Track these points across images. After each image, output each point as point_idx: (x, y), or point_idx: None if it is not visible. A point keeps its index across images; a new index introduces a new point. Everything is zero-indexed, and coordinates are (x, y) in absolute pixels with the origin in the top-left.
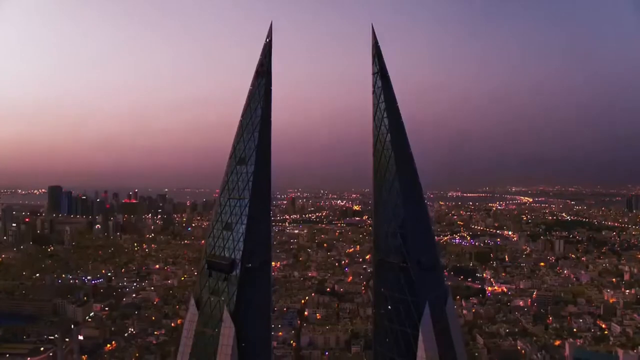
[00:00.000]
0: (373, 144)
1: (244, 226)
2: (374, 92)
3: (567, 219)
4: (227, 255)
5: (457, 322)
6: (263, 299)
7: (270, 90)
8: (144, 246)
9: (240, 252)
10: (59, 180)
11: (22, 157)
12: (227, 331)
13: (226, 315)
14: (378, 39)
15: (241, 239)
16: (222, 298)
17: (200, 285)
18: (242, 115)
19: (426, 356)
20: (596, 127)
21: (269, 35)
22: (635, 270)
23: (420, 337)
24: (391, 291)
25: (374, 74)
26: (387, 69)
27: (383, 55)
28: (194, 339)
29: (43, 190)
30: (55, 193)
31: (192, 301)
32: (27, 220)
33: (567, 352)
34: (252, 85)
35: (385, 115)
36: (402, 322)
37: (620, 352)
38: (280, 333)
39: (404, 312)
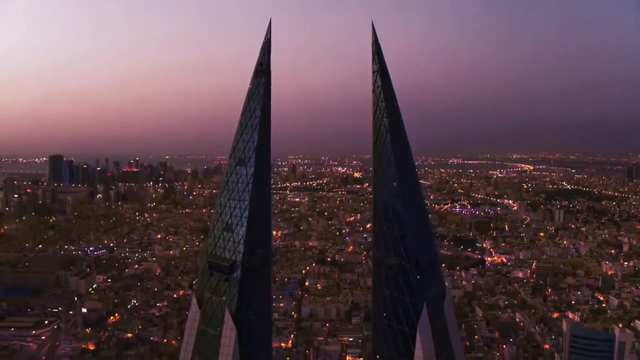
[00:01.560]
0: (373, 142)
1: (244, 228)
2: (373, 90)
3: (568, 188)
4: (227, 256)
5: (454, 320)
6: (263, 299)
7: (270, 89)
8: (146, 215)
9: (241, 255)
10: (59, 148)
11: (23, 126)
12: (229, 332)
13: (227, 317)
14: (378, 36)
15: (241, 242)
16: (223, 298)
17: (201, 284)
18: (242, 115)
19: (423, 356)
20: (599, 95)
21: (268, 33)
22: (634, 242)
23: (418, 337)
24: (390, 290)
25: (373, 72)
26: (389, 66)
27: (383, 53)
28: (196, 337)
29: (44, 158)
30: (56, 162)
31: (194, 300)
32: (28, 190)
33: (564, 328)
34: (251, 84)
35: (385, 115)
36: (400, 321)
37: (617, 329)
38: (281, 304)
39: (402, 311)
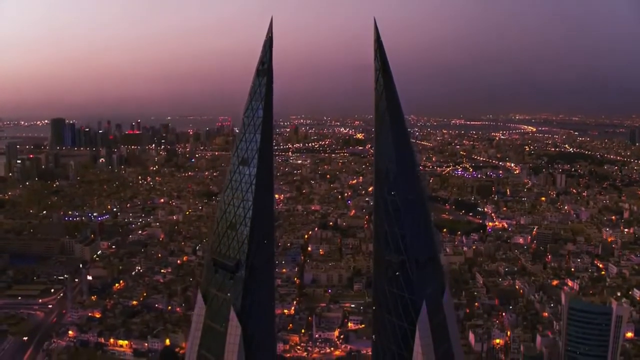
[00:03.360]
0: (375, 139)
1: (247, 228)
2: (375, 88)
3: (570, 151)
4: (232, 255)
5: (453, 314)
6: (267, 296)
7: (272, 89)
8: (148, 179)
9: (245, 254)
10: (60, 110)
11: (24, 88)
12: (234, 330)
13: (233, 315)
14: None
15: (245, 241)
16: (228, 295)
17: (206, 280)
18: (244, 113)
19: (422, 351)
20: (604, 55)
21: (270, 31)
22: (635, 208)
23: (417, 334)
24: (389, 286)
25: (376, 70)
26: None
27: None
28: (202, 331)
29: (46, 121)
30: (58, 126)
31: (200, 296)
32: (31, 156)
33: (563, 300)
34: (253, 83)
35: (387, 114)
36: (399, 317)
37: (614, 303)
38: (283, 270)
39: (402, 307)
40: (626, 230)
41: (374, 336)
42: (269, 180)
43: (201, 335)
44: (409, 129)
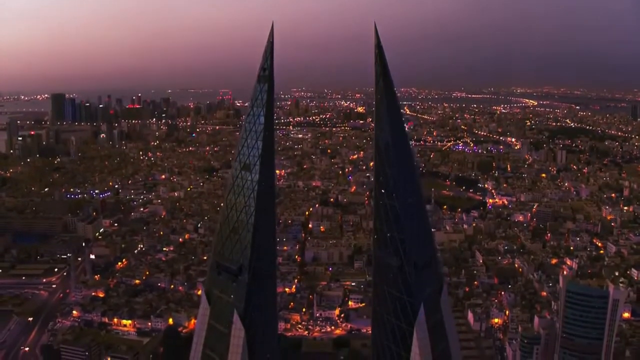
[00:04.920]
0: (375, 143)
1: (250, 234)
2: (376, 92)
3: (571, 126)
4: (234, 258)
5: (450, 313)
6: (269, 298)
7: (273, 95)
8: (149, 155)
9: (248, 259)
10: (61, 84)
11: (24, 63)
12: (238, 332)
13: (236, 317)
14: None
15: (247, 246)
16: (232, 297)
17: (210, 280)
18: (246, 118)
19: (419, 352)
20: (607, 28)
21: (271, 36)
22: (635, 186)
23: (415, 335)
24: (388, 287)
25: (376, 74)
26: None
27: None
28: (206, 330)
29: (46, 95)
30: (59, 101)
31: (204, 296)
32: (32, 132)
33: (561, 283)
34: (254, 89)
35: (387, 119)
36: (398, 317)
37: (611, 287)
38: (285, 247)
39: (400, 309)
40: (626, 208)
41: (373, 334)
42: (270, 186)
43: (205, 335)
44: (408, 124)
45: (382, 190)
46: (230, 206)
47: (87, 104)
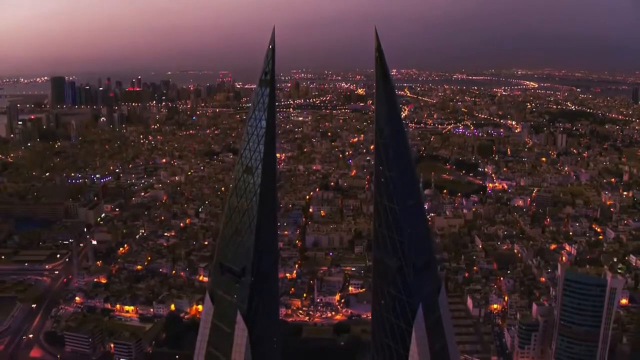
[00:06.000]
0: (375, 146)
1: (253, 237)
2: (376, 95)
3: (572, 109)
4: (238, 260)
5: (448, 311)
6: (271, 300)
7: (274, 99)
8: (150, 138)
9: (250, 261)
10: (60, 66)
11: (22, 45)
12: (241, 332)
13: (239, 318)
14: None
15: (250, 249)
16: (235, 296)
17: (213, 280)
18: (248, 121)
19: (417, 350)
20: (609, 8)
21: (272, 40)
22: (635, 171)
23: (413, 334)
24: (387, 287)
25: (377, 78)
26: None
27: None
28: (210, 329)
29: (45, 78)
30: (59, 84)
31: (207, 296)
32: (32, 117)
33: (559, 271)
34: (256, 92)
35: (387, 123)
36: (397, 316)
37: (609, 275)
38: (285, 232)
39: (399, 308)
40: (625, 193)
41: (372, 333)
42: (272, 190)
43: (209, 334)
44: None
45: (382, 192)
46: (233, 208)
47: (87, 87)
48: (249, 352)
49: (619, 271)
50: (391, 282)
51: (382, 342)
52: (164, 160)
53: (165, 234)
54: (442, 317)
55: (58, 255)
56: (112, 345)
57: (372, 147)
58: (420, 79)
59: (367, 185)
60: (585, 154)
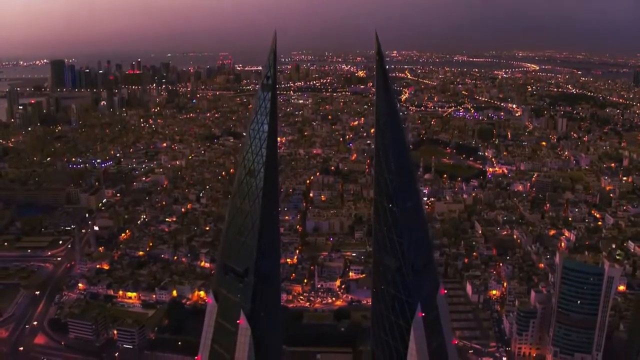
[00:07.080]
0: (375, 148)
1: (255, 238)
2: (376, 98)
3: (572, 92)
4: (241, 261)
5: (446, 310)
6: (274, 298)
7: (276, 103)
8: (150, 122)
9: (253, 262)
10: (59, 49)
11: (21, 27)
12: (244, 331)
13: (242, 318)
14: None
15: (253, 250)
16: (238, 296)
17: (217, 280)
18: (250, 125)
19: (416, 348)
20: None
21: (274, 43)
22: (635, 156)
23: (412, 332)
24: (387, 287)
25: (377, 81)
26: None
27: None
28: (214, 327)
29: (45, 61)
30: (58, 67)
31: (211, 294)
32: (32, 101)
33: (557, 260)
34: (258, 96)
35: (387, 126)
36: (396, 315)
37: (606, 264)
38: (286, 217)
39: (398, 307)
40: (625, 178)
41: (372, 330)
42: (274, 192)
43: (213, 331)
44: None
45: (382, 195)
46: (235, 210)
47: (87, 70)
48: (252, 351)
49: (617, 258)
50: (391, 282)
51: (382, 340)
52: (164, 144)
53: (167, 219)
54: (440, 316)
55: (60, 242)
56: (115, 332)
57: (372, 130)
58: (420, 60)
59: (367, 170)
60: (585, 138)
